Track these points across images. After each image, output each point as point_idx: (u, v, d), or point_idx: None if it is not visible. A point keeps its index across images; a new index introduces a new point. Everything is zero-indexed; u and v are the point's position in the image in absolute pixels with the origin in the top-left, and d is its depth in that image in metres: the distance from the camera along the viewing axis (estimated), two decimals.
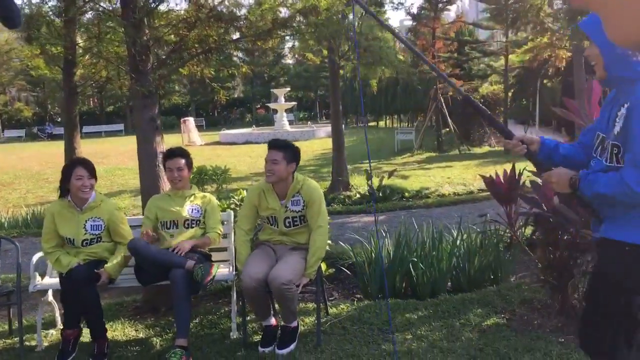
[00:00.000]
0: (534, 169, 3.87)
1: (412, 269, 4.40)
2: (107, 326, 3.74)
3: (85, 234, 3.72)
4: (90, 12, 5.30)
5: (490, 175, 4.43)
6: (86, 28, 5.33)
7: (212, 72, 5.56)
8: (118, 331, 4.03)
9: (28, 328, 4.09)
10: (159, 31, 4.85)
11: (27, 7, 5.29)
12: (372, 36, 9.95)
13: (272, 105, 31.55)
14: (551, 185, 2.22)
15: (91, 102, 48.35)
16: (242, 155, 19.01)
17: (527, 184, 4.03)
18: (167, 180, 4.15)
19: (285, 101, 29.65)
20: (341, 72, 11.09)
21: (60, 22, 5.54)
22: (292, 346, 3.50)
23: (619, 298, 2.02)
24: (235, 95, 51.68)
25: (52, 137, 39.08)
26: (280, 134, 23.36)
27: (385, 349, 3.40)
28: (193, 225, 3.92)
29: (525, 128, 20.64)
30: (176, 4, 12.58)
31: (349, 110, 34.45)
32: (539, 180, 3.78)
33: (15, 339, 3.91)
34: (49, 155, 21.10)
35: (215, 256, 4.06)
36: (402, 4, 20.78)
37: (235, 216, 4.23)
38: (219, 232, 3.95)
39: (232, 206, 4.92)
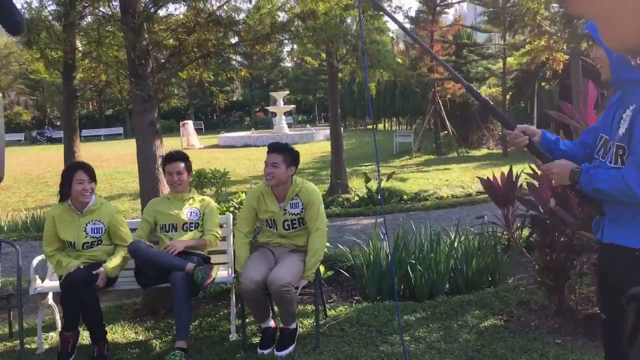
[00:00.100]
0: (531, 172, 3.93)
1: (410, 271, 4.43)
2: (107, 329, 3.76)
3: (86, 237, 3.75)
4: (89, 17, 5.33)
5: (487, 178, 4.47)
6: (86, 32, 5.35)
7: (211, 76, 5.58)
8: (118, 333, 4.05)
9: (28, 331, 4.12)
10: (158, 35, 4.88)
11: (27, 12, 5.33)
12: (370, 39, 9.98)
13: (271, 109, 31.60)
14: (552, 176, 2.19)
15: (90, 105, 48.32)
16: (241, 158, 19.01)
17: (524, 186, 4.06)
18: (167, 184, 4.17)
19: (284, 104, 29.66)
20: (339, 75, 11.12)
21: (60, 27, 5.58)
22: (291, 348, 3.53)
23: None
24: (234, 99, 51.66)
25: (52, 140, 39.06)
26: (279, 137, 23.40)
27: (383, 351, 3.43)
28: (192, 228, 3.94)
29: None
30: (175, 9, 12.61)
31: (347, 113, 34.49)
32: (535, 183, 3.82)
33: (16, 341, 3.93)
34: (48, 159, 21.10)
35: (214, 259, 4.08)
36: (400, 7, 20.79)
37: (234, 219, 4.25)
38: (216, 234, 3.97)
39: (231, 209, 4.94)
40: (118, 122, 46.78)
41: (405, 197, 9.73)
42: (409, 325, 3.80)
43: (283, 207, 3.69)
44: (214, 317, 4.27)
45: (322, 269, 4.37)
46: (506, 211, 4.87)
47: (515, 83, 21.42)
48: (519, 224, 4.35)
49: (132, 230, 4.03)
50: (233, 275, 3.97)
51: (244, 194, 4.95)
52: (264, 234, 3.89)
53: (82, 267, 3.60)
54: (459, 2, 19.73)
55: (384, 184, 9.84)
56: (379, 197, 9.02)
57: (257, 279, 3.42)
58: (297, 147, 3.89)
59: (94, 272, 3.60)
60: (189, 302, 3.56)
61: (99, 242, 3.79)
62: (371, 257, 4.62)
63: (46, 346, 3.87)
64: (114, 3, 4.71)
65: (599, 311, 2.64)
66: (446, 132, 18.84)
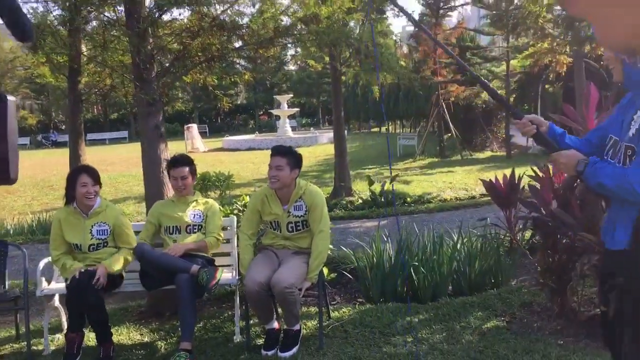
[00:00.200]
0: (533, 174, 3.95)
1: (413, 273, 4.45)
2: (112, 330, 3.80)
3: (92, 239, 3.79)
4: (94, 22, 5.38)
5: (490, 180, 4.49)
6: (91, 37, 5.40)
7: (215, 80, 5.62)
8: (123, 335, 4.08)
9: (35, 332, 4.15)
10: (162, 40, 4.92)
11: (33, 17, 5.38)
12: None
13: (274, 112, 31.66)
14: (559, 165, 2.19)
15: (95, 109, 48.55)
16: (245, 161, 19.07)
17: (527, 188, 4.08)
18: (172, 188, 4.21)
19: (288, 107, 29.76)
20: (343, 78, 11.15)
21: (65, 31, 5.63)
22: (295, 349, 3.55)
23: None
24: (238, 102, 51.80)
25: (57, 144, 39.26)
26: (283, 140, 23.42)
27: (386, 352, 3.45)
28: (195, 231, 3.98)
29: None
30: (179, 14, 12.67)
31: (351, 116, 34.53)
32: (537, 185, 3.84)
33: (23, 343, 3.98)
34: (53, 163, 21.19)
35: (218, 261, 4.11)
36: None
37: (238, 222, 4.28)
38: (218, 237, 4.00)
39: (235, 212, 4.97)
40: (123, 125, 47.00)
41: (408, 199, 9.74)
42: (412, 326, 3.82)
43: (287, 210, 3.72)
44: (219, 319, 4.30)
45: (325, 271, 4.40)
46: (508, 213, 4.89)
47: (518, 86, 21.41)
48: (521, 226, 4.37)
49: (137, 233, 4.06)
50: (237, 277, 4.00)
51: (248, 196, 4.99)
52: (267, 236, 3.92)
53: (83, 270, 3.60)
54: (462, 5, 19.77)
55: (387, 186, 9.85)
56: (391, 197, 8.93)
57: (260, 281, 3.45)
58: (301, 150, 3.92)
59: (91, 269, 3.61)
60: (194, 304, 3.60)
61: (105, 244, 3.83)
62: (374, 259, 4.65)
63: (52, 347, 3.90)
64: (118, 8, 4.76)
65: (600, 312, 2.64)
66: (450, 134, 18.84)
